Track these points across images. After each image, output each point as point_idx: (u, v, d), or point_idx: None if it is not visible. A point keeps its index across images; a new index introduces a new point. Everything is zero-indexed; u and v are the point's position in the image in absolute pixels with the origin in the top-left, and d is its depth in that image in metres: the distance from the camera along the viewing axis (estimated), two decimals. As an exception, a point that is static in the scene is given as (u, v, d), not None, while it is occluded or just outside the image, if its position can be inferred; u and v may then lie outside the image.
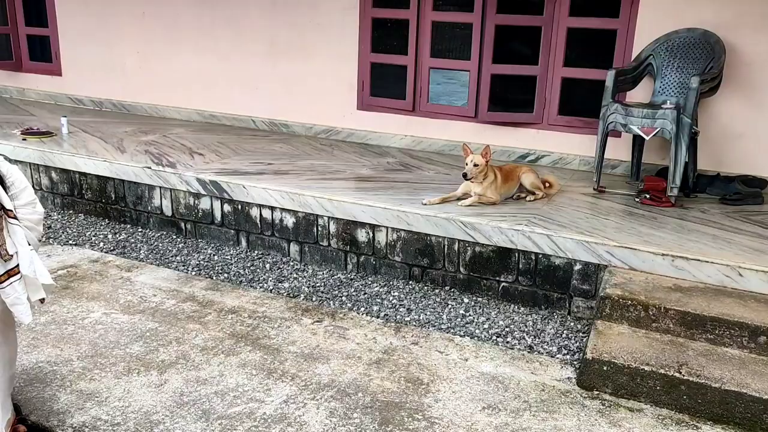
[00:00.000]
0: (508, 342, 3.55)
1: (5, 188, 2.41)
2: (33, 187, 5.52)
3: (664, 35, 4.88)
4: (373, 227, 4.31)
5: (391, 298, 4.05)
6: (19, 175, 2.51)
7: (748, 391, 2.81)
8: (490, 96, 5.65)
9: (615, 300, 3.34)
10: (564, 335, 3.64)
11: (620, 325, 3.33)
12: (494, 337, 3.59)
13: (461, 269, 4.13)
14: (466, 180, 4.26)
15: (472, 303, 4.01)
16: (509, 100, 5.80)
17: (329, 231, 4.46)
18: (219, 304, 3.80)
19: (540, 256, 3.89)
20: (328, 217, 4.43)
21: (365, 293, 4.12)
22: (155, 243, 4.87)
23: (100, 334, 3.43)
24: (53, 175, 5.51)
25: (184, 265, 4.47)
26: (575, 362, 3.32)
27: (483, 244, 4.01)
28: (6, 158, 2.60)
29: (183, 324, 3.56)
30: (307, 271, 4.44)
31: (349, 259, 4.46)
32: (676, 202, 4.44)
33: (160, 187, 5.01)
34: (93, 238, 4.92)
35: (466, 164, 4.20)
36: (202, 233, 4.95)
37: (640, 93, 5.06)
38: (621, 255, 3.67)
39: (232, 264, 4.52)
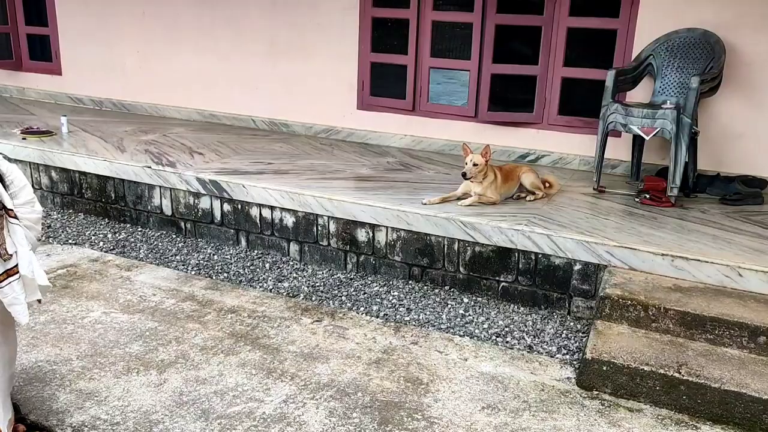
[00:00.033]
0: (507, 342, 3.55)
1: (5, 187, 2.41)
2: (33, 186, 5.52)
3: (664, 35, 4.88)
4: (373, 227, 4.31)
5: (390, 297, 4.05)
6: (18, 173, 2.50)
7: (748, 392, 2.81)
8: (490, 96, 5.64)
9: (615, 300, 3.34)
10: (563, 335, 3.64)
11: (620, 325, 3.33)
12: (494, 337, 3.59)
13: (461, 269, 4.13)
14: (466, 179, 4.26)
15: (472, 303, 4.00)
16: (509, 99, 5.80)
17: (329, 230, 4.46)
18: (218, 304, 3.80)
19: (540, 256, 3.89)
20: (328, 217, 4.43)
21: (365, 293, 4.12)
22: (155, 242, 4.87)
23: (100, 333, 3.43)
24: (53, 174, 5.51)
25: (183, 265, 4.47)
26: (575, 362, 3.32)
27: (483, 244, 4.01)
28: (5, 157, 2.60)
29: (182, 323, 3.56)
30: (306, 271, 4.44)
31: (348, 258, 4.46)
32: (676, 202, 4.44)
33: (160, 187, 5.01)
34: (93, 238, 4.92)
35: (466, 164, 4.20)
36: (201, 233, 4.95)
37: (640, 93, 5.06)
38: (621, 255, 3.67)
39: (231, 263, 4.52)
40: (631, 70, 4.88)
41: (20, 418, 2.69)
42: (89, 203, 5.40)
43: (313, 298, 4.02)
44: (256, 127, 6.73)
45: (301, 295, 4.07)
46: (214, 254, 4.67)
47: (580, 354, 3.33)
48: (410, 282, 4.27)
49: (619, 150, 5.18)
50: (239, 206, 4.75)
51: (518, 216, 4.08)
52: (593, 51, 5.44)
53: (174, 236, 4.99)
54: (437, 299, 4.04)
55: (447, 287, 4.19)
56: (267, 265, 4.51)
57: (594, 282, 3.78)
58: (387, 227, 4.26)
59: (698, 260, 3.52)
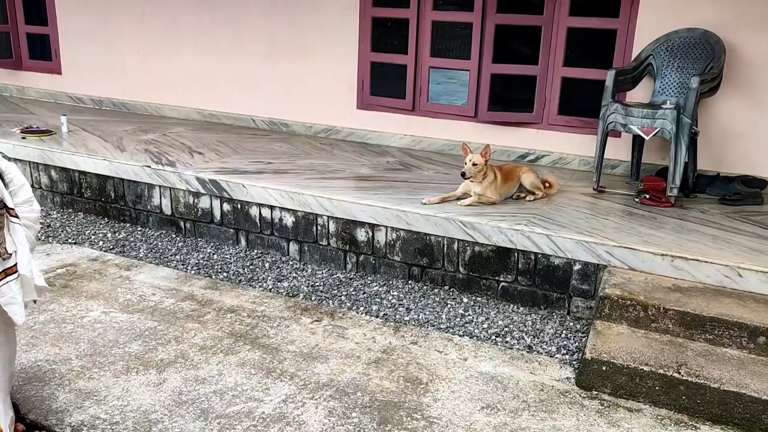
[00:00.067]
0: (507, 342, 3.55)
1: (5, 185, 2.41)
2: (32, 185, 5.56)
3: (664, 35, 4.88)
4: (373, 226, 4.31)
5: (390, 297, 4.05)
6: (17, 172, 2.50)
7: (747, 392, 2.81)
8: (490, 96, 5.64)
9: (614, 300, 3.34)
10: (563, 335, 3.63)
11: (619, 325, 3.33)
12: (493, 337, 3.59)
13: (460, 269, 4.13)
14: (465, 179, 4.26)
15: (472, 303, 4.00)
16: (509, 99, 5.80)
17: (329, 230, 4.46)
18: (218, 303, 3.80)
19: (539, 255, 3.89)
20: (328, 217, 4.43)
21: (364, 293, 4.12)
22: (154, 242, 4.86)
23: (99, 332, 3.43)
24: (53, 173, 5.50)
25: (183, 264, 4.47)
26: (574, 362, 3.32)
27: (482, 244, 4.01)
28: (4, 156, 2.59)
29: (182, 323, 3.56)
30: (306, 271, 4.44)
31: (348, 258, 4.46)
32: (675, 202, 4.44)
33: (160, 186, 5.01)
34: (92, 237, 4.91)
35: (465, 163, 4.20)
36: (201, 232, 4.95)
37: (640, 93, 5.06)
38: (620, 255, 3.67)
39: (231, 263, 4.52)
40: (631, 70, 4.88)
41: (19, 417, 2.69)
42: (89, 203, 5.40)
43: (313, 298, 4.02)
44: (255, 127, 6.73)
45: (301, 294, 4.07)
46: (213, 254, 4.67)
47: (580, 354, 3.33)
48: (410, 282, 4.27)
49: (618, 150, 5.18)
50: (239, 206, 4.75)
51: (518, 216, 4.08)
52: (593, 51, 5.45)
53: (173, 236, 4.99)
54: (437, 299, 4.04)
55: (446, 287, 4.19)
56: (266, 265, 4.50)
57: (593, 282, 3.78)
58: (387, 227, 4.26)
59: (698, 260, 3.52)
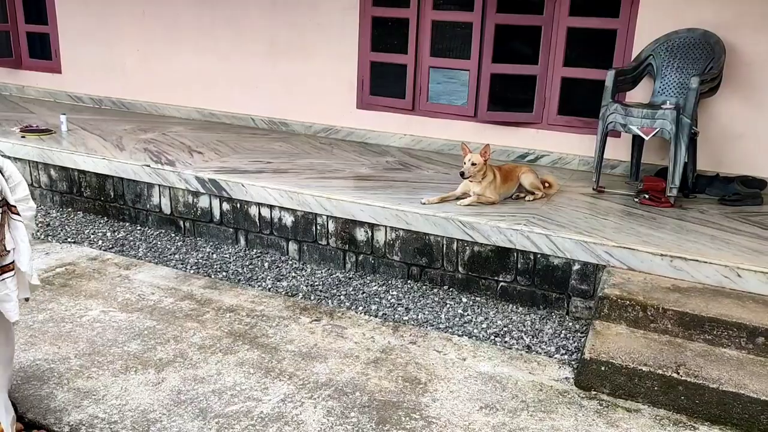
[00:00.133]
0: (506, 342, 3.55)
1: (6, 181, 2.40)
2: (32, 184, 5.56)
3: (664, 35, 4.88)
4: (372, 226, 4.31)
5: (389, 297, 4.05)
6: (14, 169, 2.49)
7: (746, 392, 2.81)
8: (490, 95, 5.64)
9: (613, 300, 3.34)
10: (562, 335, 3.63)
11: (618, 325, 3.33)
12: (492, 337, 3.59)
13: (460, 269, 4.13)
14: (464, 179, 4.26)
15: (471, 302, 4.00)
16: (509, 99, 5.79)
17: (328, 230, 4.46)
18: (217, 303, 3.80)
19: (539, 255, 3.89)
20: (327, 216, 4.43)
21: (363, 292, 4.11)
22: (154, 241, 4.86)
23: (98, 332, 3.43)
24: (52, 172, 5.50)
25: (182, 264, 4.47)
26: (573, 362, 3.31)
27: (482, 244, 4.01)
28: (1, 154, 2.59)
29: (181, 322, 3.55)
30: (305, 270, 4.44)
31: (347, 258, 4.46)
32: (675, 202, 4.44)
33: (159, 185, 5.01)
34: (92, 236, 4.91)
35: (464, 163, 4.20)
36: (200, 231, 4.95)
37: (639, 93, 5.06)
38: (619, 255, 3.67)
39: (230, 262, 4.52)
40: (630, 70, 4.88)
41: (18, 416, 2.69)
42: (88, 202, 5.39)
43: (312, 298, 4.02)
44: (255, 126, 6.73)
45: (300, 294, 4.07)
46: (212, 253, 4.67)
47: (579, 354, 3.33)
48: (409, 281, 4.27)
49: (618, 150, 5.18)
50: (238, 205, 4.75)
51: (517, 216, 4.08)
52: (593, 51, 5.44)
53: (173, 235, 4.99)
54: (436, 299, 4.04)
55: (446, 287, 4.19)
56: (266, 264, 4.50)
57: (593, 282, 3.78)
58: (386, 227, 4.26)
59: (697, 261, 3.52)
